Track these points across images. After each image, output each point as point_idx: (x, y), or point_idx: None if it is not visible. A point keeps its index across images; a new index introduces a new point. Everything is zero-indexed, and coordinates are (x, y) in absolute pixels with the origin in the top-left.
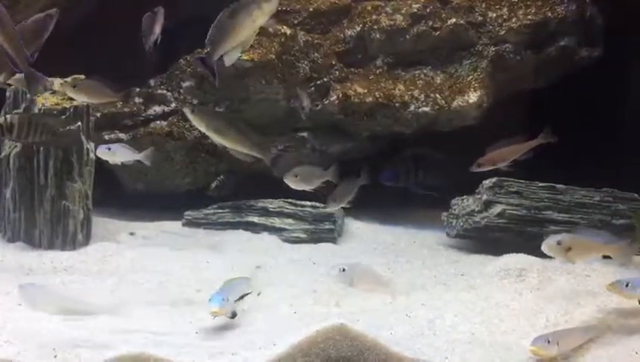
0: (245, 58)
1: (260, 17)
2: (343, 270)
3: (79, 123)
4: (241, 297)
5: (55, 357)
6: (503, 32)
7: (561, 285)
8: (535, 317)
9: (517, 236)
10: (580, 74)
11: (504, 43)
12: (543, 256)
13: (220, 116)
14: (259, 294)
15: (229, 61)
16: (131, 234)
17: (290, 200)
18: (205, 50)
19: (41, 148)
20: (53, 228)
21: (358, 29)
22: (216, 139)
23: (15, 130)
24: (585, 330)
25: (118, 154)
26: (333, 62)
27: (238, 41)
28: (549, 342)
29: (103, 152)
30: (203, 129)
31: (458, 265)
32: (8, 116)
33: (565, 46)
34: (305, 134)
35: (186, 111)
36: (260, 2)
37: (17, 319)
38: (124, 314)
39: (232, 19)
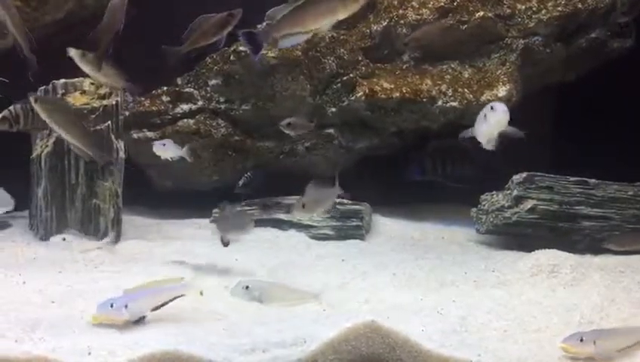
0: (271, 55)
1: (341, 12)
2: (247, 287)
3: (108, 122)
4: (169, 301)
5: (89, 354)
6: (532, 25)
7: (595, 281)
8: (569, 314)
9: (548, 232)
10: (611, 66)
11: (533, 35)
12: (576, 251)
13: (65, 109)
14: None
15: (285, 44)
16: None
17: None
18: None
19: (72, 148)
20: (84, 226)
21: (385, 23)
22: (57, 129)
23: (21, 119)
24: (633, 331)
25: (170, 149)
26: (360, 58)
27: (306, 28)
28: (582, 339)
29: (158, 148)
30: (45, 118)
31: (488, 261)
32: (11, 108)
33: (596, 38)
34: (331, 131)
35: (31, 99)
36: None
37: (51, 316)
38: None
39: (313, 6)
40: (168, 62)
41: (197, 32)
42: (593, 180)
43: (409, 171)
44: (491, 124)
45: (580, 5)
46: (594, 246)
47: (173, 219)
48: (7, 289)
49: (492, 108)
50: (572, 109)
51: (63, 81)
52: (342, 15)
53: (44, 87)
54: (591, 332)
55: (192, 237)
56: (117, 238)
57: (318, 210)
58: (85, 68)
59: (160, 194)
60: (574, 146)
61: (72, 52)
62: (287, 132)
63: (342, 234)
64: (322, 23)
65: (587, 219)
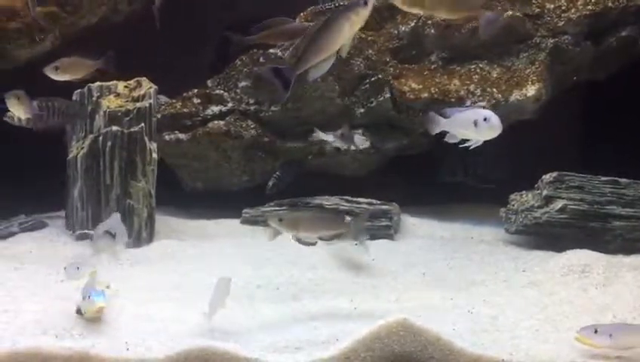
0: None
1: (356, 22)
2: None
3: (142, 124)
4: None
5: (127, 349)
6: (561, 24)
7: (628, 281)
8: (601, 313)
9: (579, 232)
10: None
11: (563, 34)
12: (607, 251)
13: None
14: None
15: (315, 74)
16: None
17: (346, 197)
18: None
19: (107, 149)
20: None
21: (412, 24)
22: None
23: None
24: None
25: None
26: (388, 59)
27: (331, 52)
28: (596, 331)
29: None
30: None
31: (518, 261)
32: None
33: (627, 36)
34: (360, 131)
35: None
36: (356, 8)
37: None
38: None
39: (328, 30)
40: (229, 49)
41: (272, 30)
42: (624, 180)
43: (440, 173)
44: (481, 134)
45: (610, 4)
46: (626, 246)
47: (205, 219)
48: (46, 287)
49: (485, 119)
50: (601, 108)
51: (98, 84)
52: (358, 24)
53: (79, 90)
54: (607, 325)
55: (223, 237)
56: (150, 238)
57: (299, 231)
58: (60, 78)
59: (191, 195)
60: (603, 146)
61: (46, 70)
62: (339, 144)
63: (371, 234)
64: (344, 39)
65: (618, 219)
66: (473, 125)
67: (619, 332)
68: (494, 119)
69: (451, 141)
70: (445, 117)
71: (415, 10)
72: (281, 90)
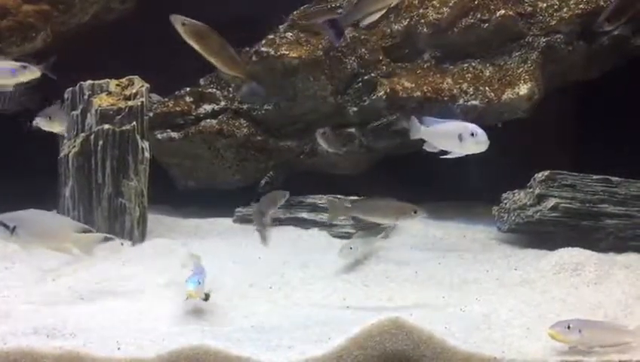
0: (293, 55)
1: None
2: None
3: (134, 123)
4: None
5: (119, 349)
6: (553, 23)
7: (620, 279)
8: (593, 311)
9: (571, 230)
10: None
11: (555, 33)
12: (599, 250)
13: None
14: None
15: (365, 22)
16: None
17: (339, 195)
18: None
19: (99, 148)
20: (110, 225)
21: (405, 23)
22: None
23: None
24: (623, 332)
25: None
26: (381, 58)
27: (383, 6)
28: (569, 327)
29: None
30: None
31: (511, 259)
32: None
33: (619, 35)
34: (353, 130)
35: None
36: None
37: (79, 313)
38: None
39: None
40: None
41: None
42: (616, 178)
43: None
44: (466, 148)
45: (602, 2)
46: (617, 244)
47: (198, 218)
48: (39, 286)
49: (473, 134)
50: (594, 107)
51: (89, 82)
52: None
53: (71, 88)
54: (579, 321)
55: (216, 236)
56: (142, 237)
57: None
58: None
59: (184, 194)
60: (596, 144)
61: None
62: (320, 142)
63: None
64: None
65: (610, 217)
66: (458, 139)
67: (588, 329)
68: (481, 134)
69: (429, 150)
70: (423, 125)
71: (232, 73)
72: (333, 38)
